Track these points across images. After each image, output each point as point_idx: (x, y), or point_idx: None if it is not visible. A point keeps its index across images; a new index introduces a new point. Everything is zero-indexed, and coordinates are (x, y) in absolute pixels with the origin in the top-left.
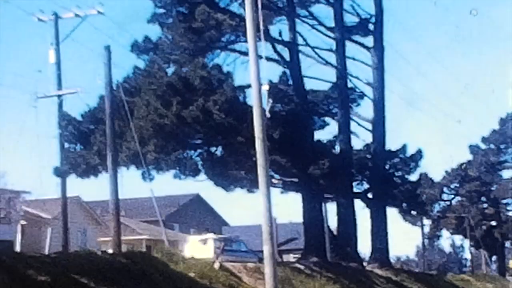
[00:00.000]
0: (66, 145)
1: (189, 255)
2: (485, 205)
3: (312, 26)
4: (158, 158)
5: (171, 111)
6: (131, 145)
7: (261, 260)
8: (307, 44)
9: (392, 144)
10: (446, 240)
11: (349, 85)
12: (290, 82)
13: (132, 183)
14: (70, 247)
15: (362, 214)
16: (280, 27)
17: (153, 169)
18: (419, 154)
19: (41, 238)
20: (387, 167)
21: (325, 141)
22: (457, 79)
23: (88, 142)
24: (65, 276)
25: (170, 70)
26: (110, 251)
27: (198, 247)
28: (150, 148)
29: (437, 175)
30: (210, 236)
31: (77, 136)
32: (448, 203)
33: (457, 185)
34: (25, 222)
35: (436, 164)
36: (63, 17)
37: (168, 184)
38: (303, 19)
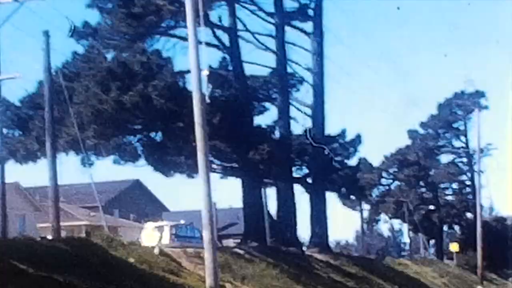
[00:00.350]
0: (5, 130)
1: (146, 243)
2: (424, 190)
3: (252, 12)
4: (98, 143)
5: (111, 97)
6: (71, 131)
7: (237, 245)
8: (247, 30)
9: (331, 129)
10: (385, 224)
11: (289, 70)
12: (230, 67)
13: (72, 169)
14: (9, 233)
15: (302, 198)
16: (220, 13)
17: (93, 154)
18: (358, 139)
19: None
20: (326, 152)
21: (264, 126)
22: (398, 65)
23: (27, 127)
24: (3, 262)
25: (110, 55)
26: (50, 237)
27: (153, 235)
28: (89, 133)
29: (376, 160)
30: (166, 223)
31: (15, 122)
32: (387, 187)
33: (396, 169)
34: None
35: (375, 149)
36: (1, 2)
37: (107, 170)
38: (243, 4)
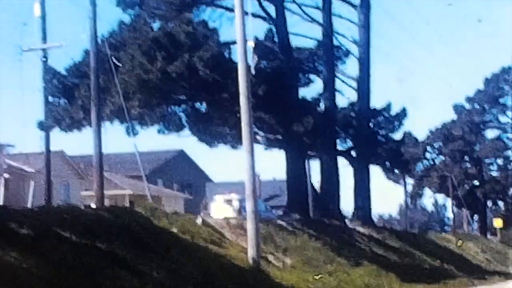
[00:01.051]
0: (50, 99)
1: (217, 215)
2: (468, 165)
3: None
4: (142, 113)
5: (156, 67)
6: (116, 100)
7: (280, 217)
8: (293, 1)
9: (377, 102)
10: (429, 199)
11: (335, 43)
12: (276, 39)
13: (116, 138)
14: (53, 201)
15: (345, 172)
16: None
17: (137, 124)
18: (403, 113)
19: (24, 192)
20: (371, 125)
21: (309, 99)
22: (445, 40)
23: (72, 96)
24: (47, 230)
25: (156, 25)
26: (93, 205)
27: (223, 207)
28: (134, 103)
29: (421, 134)
30: (234, 196)
31: (61, 90)
32: (431, 162)
33: (441, 144)
34: (8, 176)
35: (421, 123)
36: None
37: (152, 140)
38: None
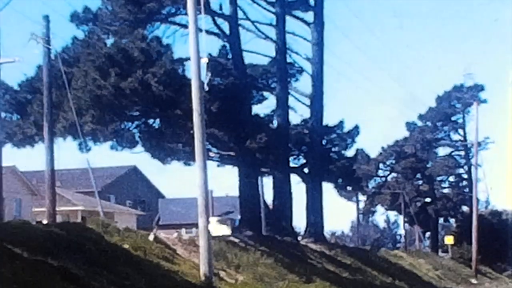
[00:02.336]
0: (3, 114)
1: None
2: (420, 182)
3: (253, 0)
4: (95, 129)
5: (110, 82)
6: (68, 116)
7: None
8: (247, 18)
9: (329, 119)
10: (381, 216)
11: (289, 60)
12: (230, 56)
13: (69, 154)
14: (5, 217)
15: (298, 188)
16: (220, 0)
17: (90, 140)
18: (356, 130)
19: None
20: (324, 142)
21: (263, 116)
22: (399, 58)
23: (25, 111)
24: None
25: (110, 41)
26: (45, 221)
27: (217, 227)
28: (87, 119)
29: (373, 152)
30: (226, 217)
31: (14, 106)
32: (383, 179)
33: (393, 161)
34: None
35: (373, 141)
36: None
37: (105, 156)
38: None
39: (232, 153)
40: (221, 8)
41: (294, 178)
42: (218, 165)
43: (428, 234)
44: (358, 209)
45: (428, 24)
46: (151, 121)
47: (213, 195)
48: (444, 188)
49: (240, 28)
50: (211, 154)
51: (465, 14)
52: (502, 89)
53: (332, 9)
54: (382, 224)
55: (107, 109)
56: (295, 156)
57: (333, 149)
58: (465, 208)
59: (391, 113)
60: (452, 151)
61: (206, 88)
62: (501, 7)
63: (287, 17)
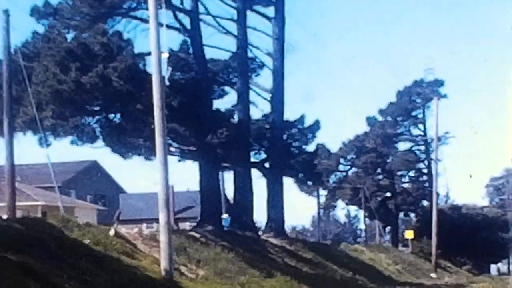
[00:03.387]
0: None
1: None
2: (380, 177)
3: None
4: (56, 124)
5: (70, 77)
6: (28, 110)
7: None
8: (208, 13)
9: (290, 114)
10: (342, 210)
11: (250, 55)
12: (191, 50)
13: (29, 149)
14: None
15: (259, 183)
16: None
17: (50, 135)
18: (316, 125)
19: None
20: (285, 137)
21: (223, 110)
22: (361, 52)
23: None
24: None
25: (70, 35)
26: (5, 216)
27: None
28: (47, 113)
29: (334, 146)
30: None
31: None
32: (344, 174)
33: (354, 156)
34: None
35: (334, 135)
36: None
37: (65, 151)
38: None
39: (193, 148)
40: (182, 3)
41: (255, 173)
42: (179, 160)
43: (388, 228)
44: (319, 203)
45: (391, 17)
46: (111, 116)
47: (174, 190)
48: (405, 182)
49: (201, 23)
50: (171, 149)
51: (429, 11)
52: (462, 84)
53: (293, 4)
54: (342, 219)
55: (68, 104)
56: (256, 151)
57: (294, 144)
58: (425, 203)
59: (352, 108)
60: (413, 146)
61: (167, 82)
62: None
63: (248, 12)
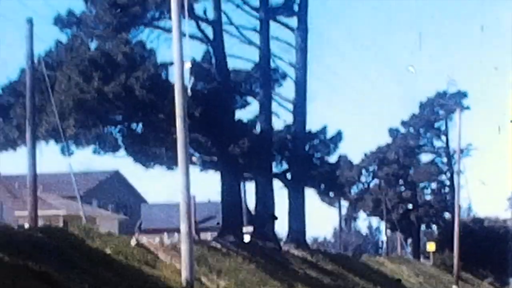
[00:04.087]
0: None
1: None
2: (402, 188)
3: (237, 5)
4: (78, 133)
5: (93, 86)
6: (51, 120)
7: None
8: (231, 23)
9: (312, 125)
10: (363, 222)
11: (272, 65)
12: (213, 60)
13: (51, 158)
14: None
15: (281, 194)
16: (205, 5)
17: (73, 144)
18: (339, 136)
19: None
20: (307, 148)
21: (246, 121)
22: (382, 66)
23: (7, 115)
24: None
25: (93, 45)
26: (27, 225)
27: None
28: (70, 123)
29: (356, 158)
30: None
31: None
32: (366, 185)
33: (375, 168)
34: None
35: (356, 147)
36: None
37: (87, 160)
38: None
39: (214, 158)
40: (205, 13)
41: (277, 184)
42: (200, 170)
43: (410, 240)
44: (340, 215)
45: (414, 30)
46: (134, 125)
47: (195, 200)
48: (427, 194)
49: (224, 33)
50: (193, 159)
51: (450, 20)
52: (485, 95)
53: (316, 15)
54: (364, 231)
55: (90, 113)
56: (278, 162)
57: (315, 155)
58: (447, 215)
59: (374, 120)
60: (435, 158)
61: (189, 92)
62: (488, 13)
63: (271, 22)
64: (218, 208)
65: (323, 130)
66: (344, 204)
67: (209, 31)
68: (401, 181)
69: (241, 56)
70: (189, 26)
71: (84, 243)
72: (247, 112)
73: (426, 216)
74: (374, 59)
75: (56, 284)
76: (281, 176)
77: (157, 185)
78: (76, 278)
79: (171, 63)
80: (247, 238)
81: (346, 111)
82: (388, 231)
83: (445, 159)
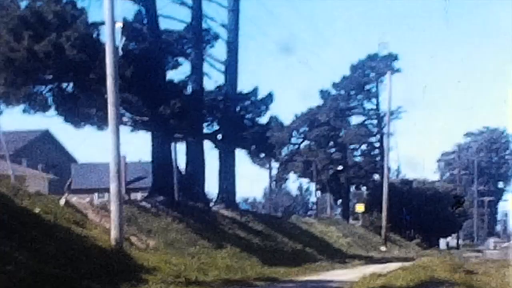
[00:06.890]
0: None
1: None
2: (333, 150)
3: None
4: (8, 92)
5: (23, 45)
6: None
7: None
8: None
9: (244, 86)
10: (293, 183)
11: (204, 26)
12: (145, 21)
13: None
14: None
15: (211, 155)
16: None
17: (2, 103)
18: (269, 97)
19: None
20: (238, 109)
21: (177, 81)
22: (315, 28)
23: None
24: None
25: (24, 3)
26: None
27: None
28: None
29: (287, 119)
30: None
31: None
32: (296, 146)
33: (306, 129)
34: None
35: (287, 108)
36: None
37: (17, 119)
38: None
39: (145, 119)
40: None
41: (208, 145)
42: (131, 130)
43: (339, 201)
44: (270, 176)
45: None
46: (64, 85)
47: (126, 160)
48: (356, 156)
49: None
50: (124, 119)
51: None
52: (416, 58)
53: None
54: (294, 192)
55: (20, 72)
56: (208, 123)
57: (246, 116)
58: (376, 177)
59: (305, 81)
60: (365, 120)
61: (121, 52)
62: None
63: None
64: (148, 169)
65: (254, 91)
66: (275, 165)
67: None
68: (331, 143)
69: (173, 16)
70: None
71: (13, 202)
72: (179, 73)
73: (355, 178)
74: (307, 19)
75: None
76: (212, 137)
77: (88, 145)
78: (4, 238)
79: (102, 23)
80: None
81: (278, 72)
82: (318, 192)
83: (375, 121)
